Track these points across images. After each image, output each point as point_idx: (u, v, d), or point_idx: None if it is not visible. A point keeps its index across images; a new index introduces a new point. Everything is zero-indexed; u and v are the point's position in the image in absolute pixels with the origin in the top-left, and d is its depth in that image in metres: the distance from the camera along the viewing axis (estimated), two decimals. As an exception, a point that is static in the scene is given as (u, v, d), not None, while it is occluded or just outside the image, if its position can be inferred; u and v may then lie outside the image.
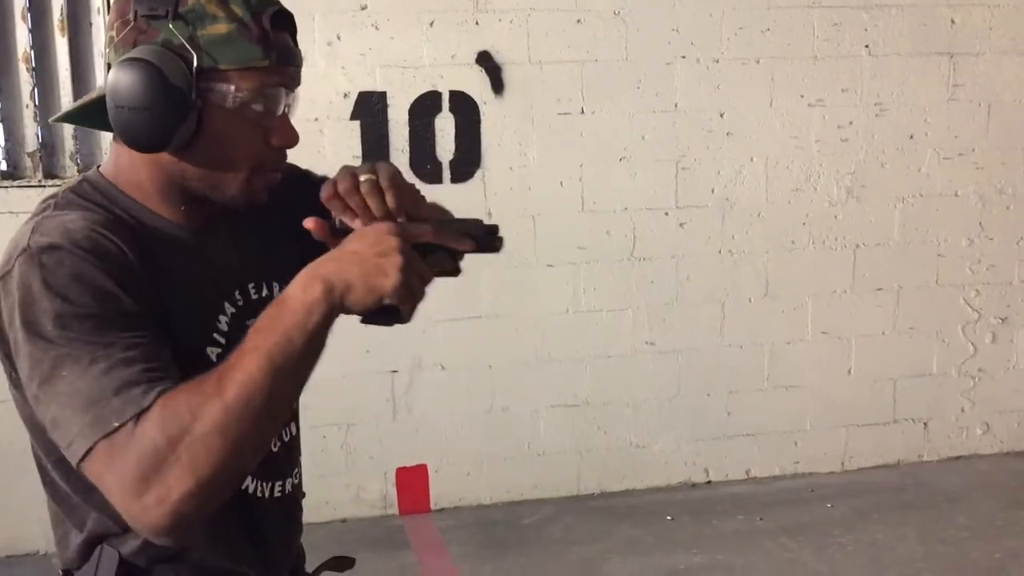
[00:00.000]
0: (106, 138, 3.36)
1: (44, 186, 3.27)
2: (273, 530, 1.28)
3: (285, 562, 1.33)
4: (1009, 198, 4.05)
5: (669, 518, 3.65)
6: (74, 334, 1.01)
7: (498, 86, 3.57)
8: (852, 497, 3.79)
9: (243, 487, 1.22)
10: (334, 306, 1.02)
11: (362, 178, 1.08)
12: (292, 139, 1.17)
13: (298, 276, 1.04)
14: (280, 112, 1.15)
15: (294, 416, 1.35)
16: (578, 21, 3.59)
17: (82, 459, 0.98)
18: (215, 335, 1.18)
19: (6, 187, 3.28)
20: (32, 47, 3.29)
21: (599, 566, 3.31)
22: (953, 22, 3.88)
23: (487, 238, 1.14)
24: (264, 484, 1.26)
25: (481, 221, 1.16)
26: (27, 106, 3.31)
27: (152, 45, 1.08)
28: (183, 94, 1.07)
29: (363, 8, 3.42)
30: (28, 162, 3.33)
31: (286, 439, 1.32)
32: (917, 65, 3.88)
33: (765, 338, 3.93)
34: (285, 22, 1.15)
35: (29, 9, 3.27)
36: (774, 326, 3.92)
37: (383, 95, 3.49)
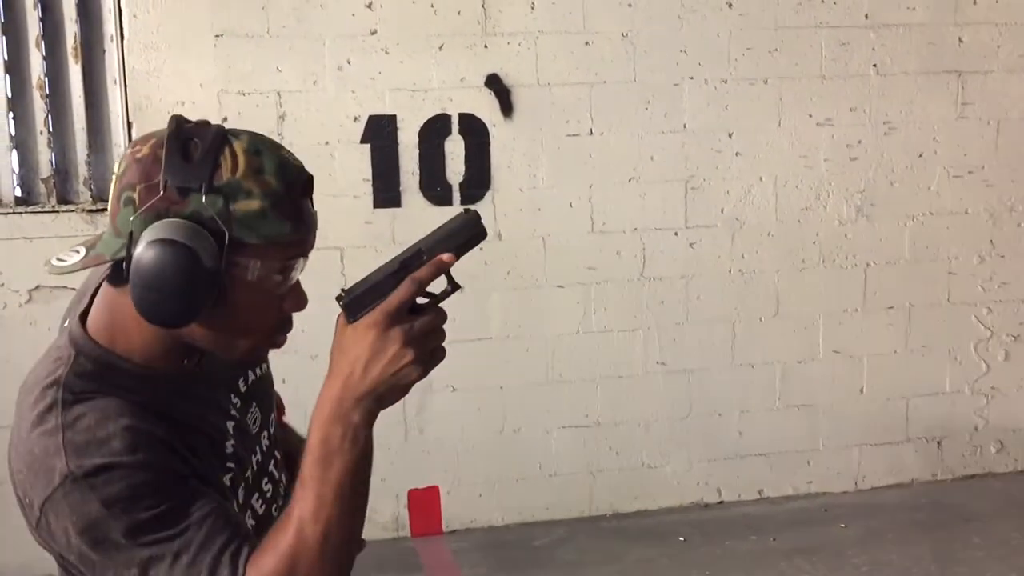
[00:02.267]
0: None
1: (57, 211, 3.30)
2: None
3: None
4: (1020, 215, 4.04)
5: (682, 539, 3.64)
6: (150, 538, 1.04)
7: (507, 108, 3.59)
8: (866, 517, 3.77)
9: None
10: (374, 417, 1.06)
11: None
12: (302, 305, 1.17)
13: (330, 403, 1.05)
14: (295, 280, 1.15)
15: (286, 489, 1.34)
16: (586, 43, 3.61)
17: None
18: (228, 463, 1.21)
19: (20, 213, 3.30)
20: (46, 74, 3.33)
21: (612, 588, 3.30)
22: (961, 40, 3.89)
23: (466, 234, 1.11)
24: None
25: (463, 212, 1.13)
26: (41, 132, 3.34)
27: (182, 219, 1.05)
28: (214, 275, 1.05)
29: (373, 33, 3.45)
30: (42, 188, 3.36)
31: (280, 503, 1.32)
32: (925, 83, 3.89)
33: (776, 357, 3.92)
34: (310, 189, 1.14)
35: (43, 36, 3.31)
36: (785, 345, 3.91)
37: (393, 118, 3.51)
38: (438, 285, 1.09)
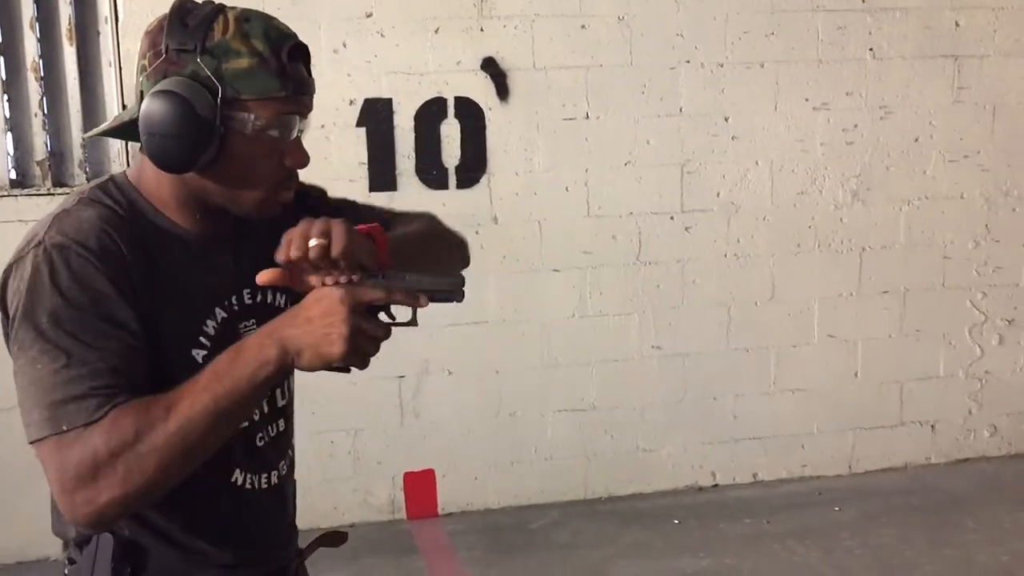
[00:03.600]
0: (113, 147, 3.39)
1: (53, 194, 3.29)
2: (257, 516, 1.36)
3: (270, 543, 1.40)
4: (1015, 200, 4.05)
5: (676, 522, 3.66)
6: (62, 331, 1.13)
7: (503, 92, 3.58)
8: (859, 500, 3.79)
9: (231, 479, 1.32)
10: (285, 366, 1.15)
11: (312, 243, 1.12)
12: (303, 160, 1.28)
13: (261, 330, 1.17)
14: (293, 136, 1.25)
15: (283, 413, 1.41)
16: (582, 26, 3.60)
17: (33, 443, 1.13)
18: (201, 338, 1.27)
19: (15, 195, 3.30)
20: (40, 56, 3.32)
21: (606, 570, 3.31)
22: (957, 24, 3.89)
23: (446, 291, 1.22)
24: (252, 476, 1.35)
25: (453, 271, 1.25)
26: (36, 115, 3.33)
27: (181, 77, 1.18)
28: (209, 123, 1.18)
29: (368, 15, 3.44)
30: (37, 171, 3.36)
31: (272, 434, 1.38)
32: (922, 68, 3.88)
33: (771, 341, 3.93)
34: (300, 54, 1.25)
35: (37, 19, 3.30)
36: (780, 329, 3.92)
37: (389, 102, 3.51)
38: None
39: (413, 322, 1.24)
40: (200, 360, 1.24)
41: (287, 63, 1.21)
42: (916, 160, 3.93)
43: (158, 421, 1.10)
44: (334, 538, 1.49)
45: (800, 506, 3.76)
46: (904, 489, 3.91)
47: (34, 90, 3.32)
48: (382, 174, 3.53)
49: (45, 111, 3.34)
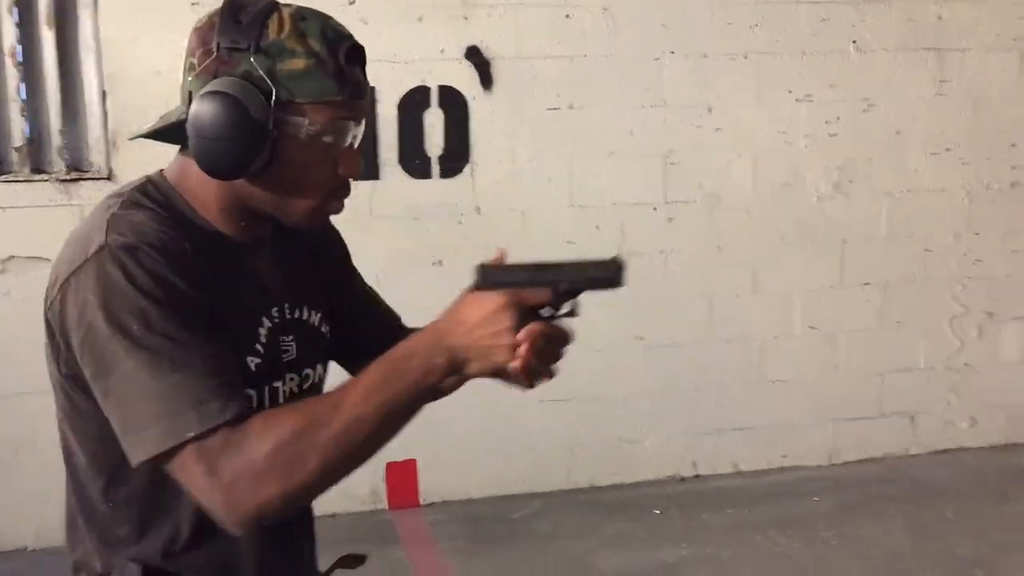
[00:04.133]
0: (92, 133, 3.35)
1: (31, 180, 3.26)
2: (285, 550, 1.34)
3: (289, 556, 1.37)
4: (996, 193, 4.07)
5: (658, 512, 3.67)
6: (157, 334, 1.06)
7: (487, 81, 3.57)
8: (839, 491, 3.81)
9: None
10: (452, 374, 1.14)
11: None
12: (358, 169, 1.23)
13: (427, 333, 1.14)
14: (348, 143, 1.20)
15: None
16: (567, 16, 3.59)
17: (157, 457, 1.06)
18: (257, 345, 1.22)
19: (-7, 182, 3.26)
20: (19, 41, 3.27)
21: (588, 560, 3.32)
22: (940, 17, 3.90)
23: (608, 278, 1.23)
24: None
25: (613, 258, 1.23)
26: (13, 100, 3.29)
27: (233, 77, 1.12)
28: (262, 127, 1.12)
29: (351, 3, 3.41)
30: (15, 156, 3.31)
31: None
32: (904, 60, 3.89)
33: (754, 333, 3.94)
34: (358, 56, 1.20)
35: (15, 2, 3.25)
36: (762, 321, 3.94)
37: (372, 90, 3.48)
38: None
39: (574, 312, 1.19)
40: (254, 368, 1.20)
41: (344, 65, 1.15)
42: (898, 153, 3.95)
43: (321, 420, 1.07)
44: (352, 560, 1.48)
45: (780, 496, 3.78)
46: (883, 480, 3.93)
47: (12, 75, 3.28)
48: (365, 163, 3.47)
49: (23, 97, 3.30)
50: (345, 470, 1.11)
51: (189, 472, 1.06)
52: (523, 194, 3.66)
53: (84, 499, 1.22)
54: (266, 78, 1.11)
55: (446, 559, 3.39)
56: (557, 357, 1.18)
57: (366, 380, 1.10)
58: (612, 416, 3.86)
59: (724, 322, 3.90)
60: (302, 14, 1.16)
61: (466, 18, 3.51)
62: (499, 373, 1.15)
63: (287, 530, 1.33)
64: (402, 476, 3.70)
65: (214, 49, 1.13)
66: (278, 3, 1.17)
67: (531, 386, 1.17)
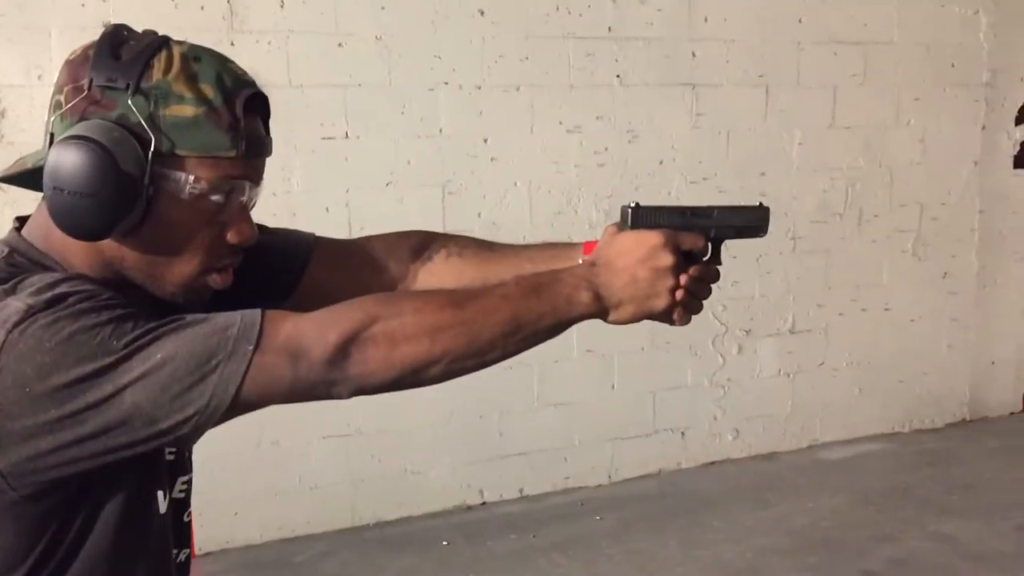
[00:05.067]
0: None
1: None
2: None
3: None
4: (748, 219, 4.36)
5: (445, 543, 3.64)
6: (141, 330, 0.93)
7: (258, 109, 3.44)
8: (618, 508, 3.94)
9: (178, 559, 1.18)
10: (593, 315, 1.07)
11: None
12: (251, 236, 1.09)
13: (575, 270, 1.07)
14: (240, 206, 1.07)
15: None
16: (339, 44, 3.54)
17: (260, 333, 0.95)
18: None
19: None
20: None
21: (376, 599, 3.25)
22: (694, 55, 4.15)
23: (755, 226, 1.22)
24: (183, 552, 1.22)
25: (759, 204, 1.22)
26: None
27: (105, 121, 0.97)
28: (133, 181, 0.96)
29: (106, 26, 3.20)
30: None
31: (189, 509, 1.26)
32: (664, 94, 4.12)
33: (534, 358, 3.99)
34: (259, 107, 1.07)
35: None
36: (541, 346, 3.99)
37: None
38: None
39: (717, 261, 1.16)
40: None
41: (242, 116, 1.02)
42: (661, 182, 4.16)
43: (446, 305, 1.01)
44: None
45: (564, 518, 3.86)
46: (658, 494, 4.10)
47: None
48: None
49: None
50: (447, 365, 1.05)
51: (294, 325, 0.96)
52: (300, 224, 3.47)
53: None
54: (144, 124, 0.97)
55: (225, 611, 3.21)
56: (708, 295, 1.14)
57: (504, 289, 1.05)
58: (396, 448, 3.81)
59: (505, 349, 3.94)
60: (196, 54, 1.02)
61: (232, 44, 3.38)
62: (649, 316, 1.10)
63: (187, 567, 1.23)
64: (175, 526, 3.47)
65: (85, 87, 0.99)
66: (169, 39, 1.03)
67: (686, 323, 1.14)
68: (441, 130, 3.73)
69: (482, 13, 3.73)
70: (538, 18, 3.83)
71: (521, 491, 4.05)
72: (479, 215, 3.83)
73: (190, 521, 1.25)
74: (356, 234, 3.69)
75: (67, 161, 0.95)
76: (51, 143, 0.98)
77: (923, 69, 4.57)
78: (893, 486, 4.12)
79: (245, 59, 3.62)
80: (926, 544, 3.56)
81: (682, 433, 4.36)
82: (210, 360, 0.94)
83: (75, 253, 1.03)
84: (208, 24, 3.33)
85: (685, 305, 1.10)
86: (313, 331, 0.96)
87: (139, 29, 1.09)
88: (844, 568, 3.40)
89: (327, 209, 3.58)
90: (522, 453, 4.03)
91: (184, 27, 3.27)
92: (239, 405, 0.97)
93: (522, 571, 3.41)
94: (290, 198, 3.52)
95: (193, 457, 1.27)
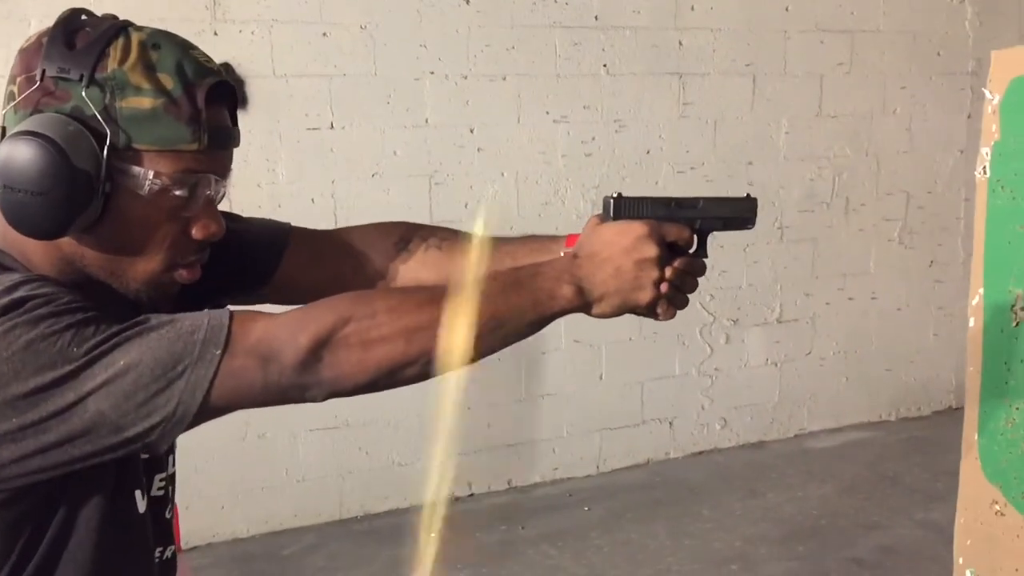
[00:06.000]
0: None
1: None
2: None
3: None
4: (735, 208, 4.36)
5: (434, 535, 3.63)
6: (103, 335, 0.89)
7: (242, 100, 3.41)
8: (607, 499, 3.94)
9: (162, 556, 1.16)
10: (576, 308, 1.03)
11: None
12: (217, 231, 1.04)
13: (556, 263, 1.03)
14: (204, 200, 1.02)
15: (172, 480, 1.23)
16: (324, 34, 3.50)
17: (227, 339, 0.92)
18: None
19: None
20: None
21: (365, 591, 3.24)
22: (681, 44, 4.14)
23: (744, 217, 1.17)
24: (165, 549, 1.20)
25: (746, 196, 1.18)
26: None
27: (58, 113, 0.93)
28: (89, 178, 0.92)
29: (88, 14, 3.17)
30: None
31: (171, 505, 1.23)
32: (651, 84, 4.10)
33: (522, 350, 3.98)
34: (223, 96, 1.03)
35: None
36: (530, 337, 3.99)
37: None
38: None
39: (703, 253, 1.13)
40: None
41: (203, 108, 0.97)
42: (648, 171, 4.14)
43: (436, 299, 0.98)
44: None
45: (553, 509, 3.86)
46: (647, 484, 4.10)
47: None
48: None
49: None
50: (422, 362, 1.01)
51: (261, 328, 0.94)
52: (285, 216, 3.46)
53: None
54: (99, 118, 0.93)
55: (213, 605, 3.19)
56: (693, 289, 1.10)
57: (489, 283, 1.02)
58: (383, 440, 3.79)
59: (492, 340, 3.93)
60: (156, 41, 0.98)
61: (216, 33, 3.34)
62: (633, 310, 1.06)
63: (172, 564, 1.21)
64: (161, 520, 3.45)
65: (38, 77, 0.94)
66: (128, 25, 0.99)
67: (671, 317, 1.10)
68: (427, 120, 3.71)
69: (468, 2, 3.71)
70: (524, 7, 3.81)
71: (509, 482, 4.05)
72: (466, 205, 3.81)
73: (172, 518, 1.22)
74: (342, 224, 3.68)
75: (17, 158, 0.91)
76: (2, 136, 0.95)
77: (909, 58, 4.57)
78: (880, 474, 4.13)
79: (228, 49, 3.59)
80: (914, 531, 3.58)
81: (670, 423, 4.36)
82: (175, 366, 0.91)
83: (34, 251, 0.99)
84: (191, 13, 3.30)
85: (670, 299, 1.07)
86: (284, 333, 0.94)
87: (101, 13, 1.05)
88: (832, 556, 3.41)
89: (312, 200, 3.56)
90: (510, 444, 4.03)
91: (166, 16, 3.26)
92: (208, 410, 0.96)
93: (511, 562, 3.41)
94: (275, 189, 3.50)
95: (176, 453, 1.24)
